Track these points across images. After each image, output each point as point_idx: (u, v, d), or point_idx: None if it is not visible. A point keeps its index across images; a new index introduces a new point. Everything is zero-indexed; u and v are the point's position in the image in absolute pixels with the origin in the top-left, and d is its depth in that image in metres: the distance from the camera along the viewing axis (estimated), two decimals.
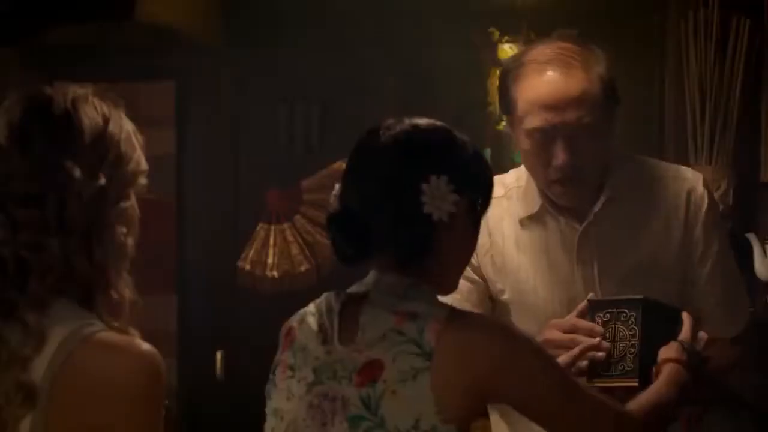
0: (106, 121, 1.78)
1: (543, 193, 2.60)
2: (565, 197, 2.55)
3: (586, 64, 2.49)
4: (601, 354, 2.39)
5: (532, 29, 4.39)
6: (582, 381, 2.45)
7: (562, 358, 2.39)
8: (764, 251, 3.85)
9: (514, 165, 2.85)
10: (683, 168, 2.72)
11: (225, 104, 4.63)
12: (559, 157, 2.47)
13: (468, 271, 2.59)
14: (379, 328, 1.85)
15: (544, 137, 2.48)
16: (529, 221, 2.62)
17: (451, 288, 2.00)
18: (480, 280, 2.64)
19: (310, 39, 4.54)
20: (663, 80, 4.24)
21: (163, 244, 4.50)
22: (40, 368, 1.66)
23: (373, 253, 1.90)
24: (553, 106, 2.46)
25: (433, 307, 1.87)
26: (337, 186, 1.96)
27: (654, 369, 2.30)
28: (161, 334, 4.23)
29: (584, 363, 2.40)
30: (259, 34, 4.58)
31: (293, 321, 1.98)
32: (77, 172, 1.71)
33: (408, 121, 1.95)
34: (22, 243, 1.69)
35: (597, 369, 2.43)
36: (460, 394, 1.81)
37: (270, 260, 4.55)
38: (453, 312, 1.87)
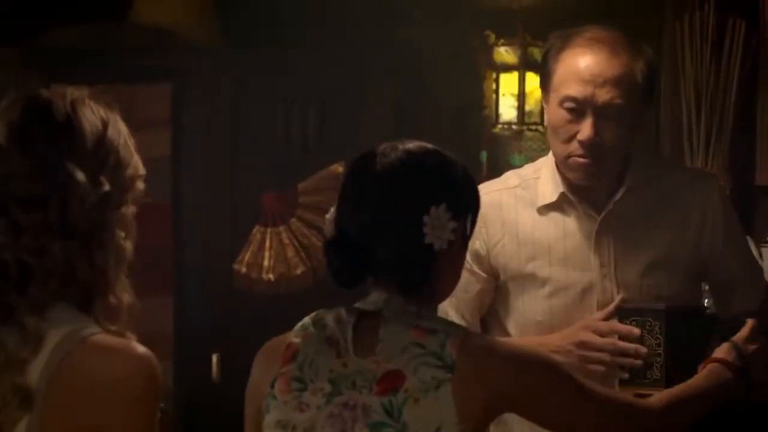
0: (105, 125, 1.78)
1: (563, 182, 2.62)
2: (581, 173, 2.56)
3: (632, 53, 2.54)
4: (639, 361, 2.42)
5: (528, 32, 4.41)
6: (613, 387, 2.49)
7: (600, 363, 2.44)
8: (760, 254, 3.85)
9: (511, 168, 2.85)
10: (698, 168, 2.76)
11: (222, 106, 4.62)
12: (585, 132, 2.51)
13: (469, 263, 2.63)
14: (399, 341, 1.89)
15: (575, 109, 2.52)
16: (548, 209, 2.64)
17: (442, 300, 2.08)
18: (482, 273, 2.65)
19: (308, 41, 4.54)
20: (659, 82, 4.25)
21: (159, 246, 4.50)
22: (35, 371, 1.66)
23: (371, 275, 1.95)
24: (590, 79, 2.50)
25: (449, 326, 1.93)
26: (331, 210, 1.99)
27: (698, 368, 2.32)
28: (157, 337, 4.23)
29: (626, 376, 2.44)
30: (257, 35, 4.58)
31: (292, 336, 1.98)
32: (80, 176, 1.71)
33: (402, 148, 1.96)
34: (24, 247, 1.69)
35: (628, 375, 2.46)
36: (480, 406, 1.86)
37: (266, 263, 4.55)
38: (469, 331, 1.95)
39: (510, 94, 4.60)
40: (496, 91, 4.68)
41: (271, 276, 4.54)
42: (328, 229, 1.98)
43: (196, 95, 4.60)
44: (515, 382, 1.88)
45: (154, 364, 1.70)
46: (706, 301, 2.86)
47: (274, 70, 4.57)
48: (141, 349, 1.70)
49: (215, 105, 4.60)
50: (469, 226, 2.00)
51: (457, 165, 1.99)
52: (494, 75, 4.68)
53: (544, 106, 2.64)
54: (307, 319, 2.00)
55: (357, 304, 1.96)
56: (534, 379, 1.90)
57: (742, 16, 3.99)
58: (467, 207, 1.99)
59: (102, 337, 1.69)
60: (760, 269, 2.82)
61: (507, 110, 4.66)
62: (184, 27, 4.51)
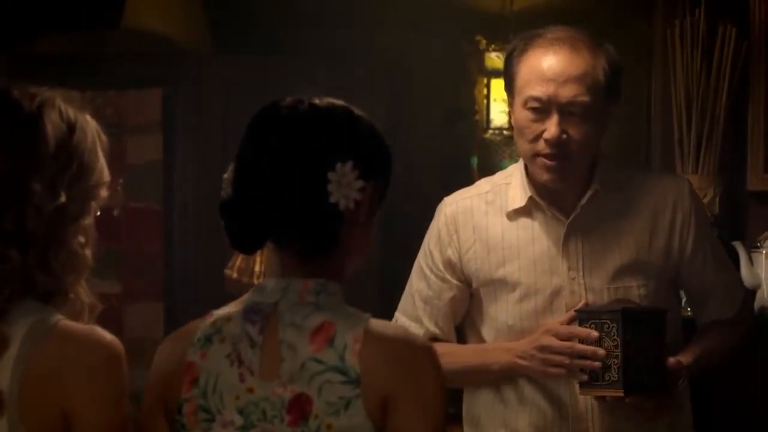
0: (72, 129, 1.75)
1: (531, 187, 2.62)
2: (549, 172, 2.56)
3: (594, 52, 2.56)
4: (597, 363, 2.44)
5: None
6: (576, 389, 2.50)
7: (560, 367, 2.46)
8: (750, 259, 3.86)
9: None
10: (667, 173, 2.76)
11: (212, 111, 4.63)
12: (551, 130, 2.51)
13: (441, 271, 2.66)
14: (297, 357, 1.74)
15: (540, 108, 2.53)
16: (517, 214, 2.65)
17: (346, 274, 1.87)
18: (454, 281, 2.66)
19: (298, 45, 4.55)
20: (649, 88, 4.26)
21: (150, 251, 4.50)
22: (6, 369, 1.66)
23: (271, 240, 1.80)
24: (554, 78, 2.52)
25: (346, 323, 1.76)
26: (229, 168, 1.85)
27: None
28: (148, 342, 4.23)
29: (584, 377, 2.46)
30: (247, 41, 4.59)
31: (190, 355, 1.81)
32: (37, 186, 1.70)
33: (307, 101, 1.86)
34: None
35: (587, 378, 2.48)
36: (387, 413, 1.72)
37: (257, 268, 4.54)
38: (368, 326, 1.76)
39: (501, 100, 4.61)
40: (488, 97, 4.69)
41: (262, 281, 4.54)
42: (225, 189, 1.82)
43: (187, 100, 4.61)
44: (405, 384, 1.72)
45: (118, 348, 1.71)
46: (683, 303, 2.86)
47: (265, 76, 4.57)
48: (107, 334, 1.71)
49: (206, 110, 4.61)
50: (380, 189, 1.84)
51: (367, 122, 1.85)
52: (485, 80, 4.69)
53: (509, 108, 2.65)
54: (203, 329, 1.85)
55: (252, 296, 1.82)
56: (421, 387, 1.73)
57: (733, 22, 4.00)
58: (376, 168, 1.82)
59: (67, 324, 1.71)
60: (737, 276, 2.81)
61: (498, 115, 4.67)
62: (175, 33, 4.52)
